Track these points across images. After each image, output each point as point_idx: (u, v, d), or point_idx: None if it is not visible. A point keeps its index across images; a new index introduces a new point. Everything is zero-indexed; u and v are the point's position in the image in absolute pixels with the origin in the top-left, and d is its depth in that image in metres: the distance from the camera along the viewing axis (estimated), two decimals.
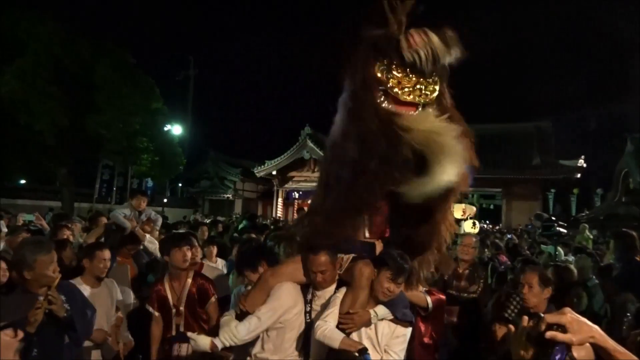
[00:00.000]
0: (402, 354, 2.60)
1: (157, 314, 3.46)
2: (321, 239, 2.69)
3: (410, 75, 2.41)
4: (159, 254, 4.52)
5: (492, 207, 27.60)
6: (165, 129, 20.09)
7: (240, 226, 10.50)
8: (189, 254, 3.47)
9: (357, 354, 2.32)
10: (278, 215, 27.41)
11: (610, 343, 1.16)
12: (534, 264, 4.44)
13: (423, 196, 2.26)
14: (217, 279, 4.05)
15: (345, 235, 2.69)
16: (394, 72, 2.42)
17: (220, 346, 2.54)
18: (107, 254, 3.53)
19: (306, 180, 27.09)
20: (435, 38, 2.30)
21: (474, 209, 9.82)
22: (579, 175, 24.05)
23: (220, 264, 5.17)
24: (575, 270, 4.47)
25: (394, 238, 2.81)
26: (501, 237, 11.35)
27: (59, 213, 9.54)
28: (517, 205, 24.72)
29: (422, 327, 3.13)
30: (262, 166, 28.03)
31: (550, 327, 1.12)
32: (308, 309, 2.74)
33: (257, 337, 2.72)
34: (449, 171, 2.18)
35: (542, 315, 1.17)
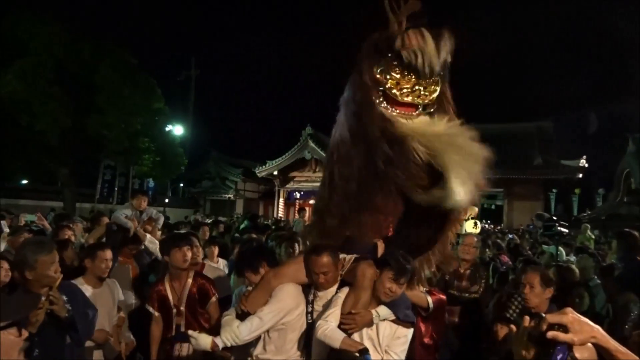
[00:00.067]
0: (403, 355, 2.59)
1: (157, 314, 3.46)
2: (328, 240, 2.70)
3: (409, 76, 2.40)
4: (159, 254, 4.52)
5: (493, 207, 27.57)
6: (167, 129, 20.10)
7: (242, 226, 10.52)
8: (189, 254, 3.47)
9: (357, 354, 2.32)
10: (279, 215, 27.41)
11: (612, 343, 1.16)
12: (535, 264, 4.44)
13: (436, 206, 2.27)
14: (218, 279, 4.05)
15: (351, 235, 2.69)
16: (393, 73, 2.42)
17: (221, 345, 2.54)
18: (108, 254, 3.54)
19: (307, 180, 27.10)
20: (430, 39, 2.28)
21: (476, 209, 9.79)
22: (580, 176, 24.02)
23: (222, 264, 5.17)
24: (577, 271, 4.47)
25: (396, 238, 2.80)
26: (502, 237, 11.32)
27: (61, 213, 9.56)
28: (518, 205, 24.69)
29: (423, 328, 3.13)
30: (264, 166, 28.05)
31: (551, 327, 1.12)
32: (310, 309, 2.74)
33: (258, 338, 2.71)
34: (464, 191, 2.17)
35: (544, 315, 1.16)
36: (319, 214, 2.99)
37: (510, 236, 12.46)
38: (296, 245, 4.68)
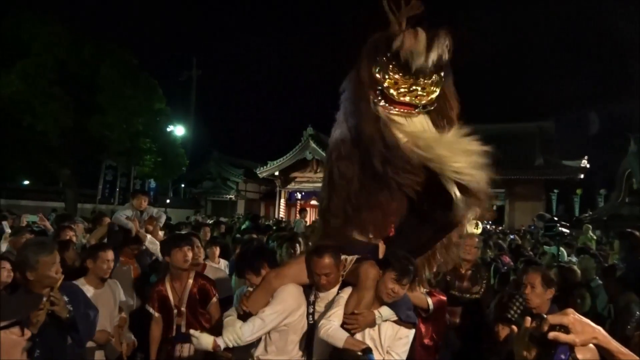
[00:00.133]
0: (405, 356, 2.59)
1: (157, 314, 3.46)
2: (330, 240, 2.69)
3: (407, 76, 2.40)
4: (160, 255, 4.52)
5: (494, 207, 27.54)
6: (168, 129, 20.11)
7: (243, 227, 10.52)
8: (189, 254, 3.47)
9: (360, 354, 2.32)
10: (280, 216, 27.41)
11: (613, 344, 1.15)
12: (536, 264, 4.43)
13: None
14: (219, 280, 4.05)
15: (352, 236, 2.69)
16: (391, 73, 2.41)
17: (223, 346, 2.54)
18: (110, 254, 3.54)
19: (309, 181, 27.10)
20: (423, 38, 2.28)
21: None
22: (582, 176, 23.98)
23: (223, 264, 5.18)
24: (578, 271, 4.46)
25: (397, 238, 2.80)
26: (504, 238, 11.31)
27: (62, 214, 9.58)
28: (520, 205, 24.66)
29: (423, 329, 3.13)
30: (265, 167, 28.04)
31: (552, 327, 1.12)
32: (311, 310, 2.74)
33: (259, 339, 2.71)
34: (469, 206, 2.19)
35: (545, 316, 1.16)
36: (321, 215, 3.00)
37: (511, 237, 12.45)
38: (297, 246, 4.68)
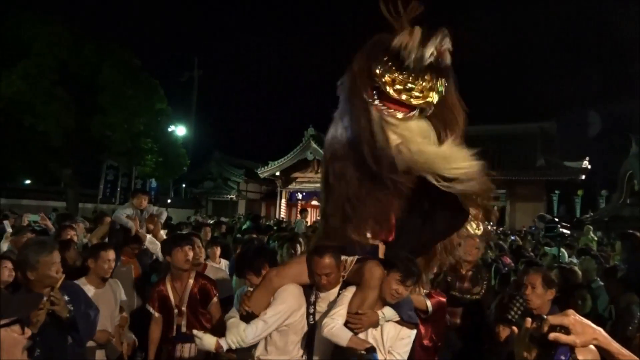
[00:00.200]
0: (406, 356, 2.59)
1: (157, 314, 3.46)
2: (330, 240, 2.69)
3: (404, 74, 2.38)
4: (160, 255, 4.52)
5: (495, 208, 27.48)
6: (169, 129, 20.14)
7: (244, 227, 10.53)
8: (190, 254, 3.47)
9: (364, 352, 2.31)
10: (281, 216, 27.42)
11: (614, 345, 1.15)
12: (537, 265, 4.43)
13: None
14: (220, 280, 4.06)
15: (352, 236, 2.68)
16: (388, 70, 2.39)
17: (225, 347, 2.54)
18: (111, 254, 3.54)
19: (309, 181, 27.10)
20: (418, 35, 2.27)
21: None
22: (583, 177, 23.93)
23: (224, 264, 5.18)
24: (579, 272, 4.46)
25: (398, 239, 2.79)
26: (505, 239, 11.30)
27: (63, 213, 9.59)
28: (521, 206, 24.61)
29: (423, 329, 3.12)
30: (266, 167, 28.06)
31: (553, 328, 1.12)
32: (311, 310, 2.73)
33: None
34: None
35: (545, 316, 1.16)
36: (322, 215, 3.00)
37: (512, 237, 12.43)
38: (298, 246, 4.67)
